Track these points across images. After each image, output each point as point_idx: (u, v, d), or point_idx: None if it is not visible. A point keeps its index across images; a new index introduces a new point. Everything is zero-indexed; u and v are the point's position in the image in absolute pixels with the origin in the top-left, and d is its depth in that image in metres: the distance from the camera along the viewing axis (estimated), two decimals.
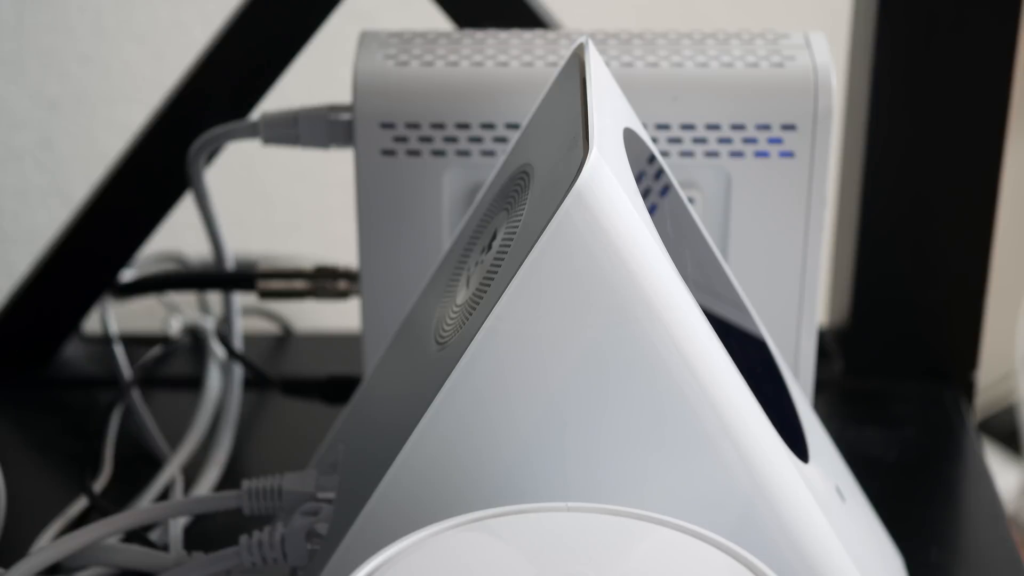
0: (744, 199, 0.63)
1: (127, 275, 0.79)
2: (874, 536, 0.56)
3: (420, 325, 0.55)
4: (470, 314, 0.48)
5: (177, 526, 0.63)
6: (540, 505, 0.44)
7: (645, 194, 0.49)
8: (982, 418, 1.28)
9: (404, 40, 0.64)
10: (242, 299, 0.81)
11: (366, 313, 0.65)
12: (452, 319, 0.51)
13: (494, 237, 0.51)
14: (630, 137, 0.52)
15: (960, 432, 0.73)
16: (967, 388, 0.77)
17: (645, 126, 0.58)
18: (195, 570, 0.55)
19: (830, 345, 0.80)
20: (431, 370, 0.49)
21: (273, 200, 1.25)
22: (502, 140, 0.62)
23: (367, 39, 0.64)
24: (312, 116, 0.64)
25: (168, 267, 0.90)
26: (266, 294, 0.74)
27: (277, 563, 0.53)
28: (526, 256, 0.44)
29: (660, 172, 0.54)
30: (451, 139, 0.62)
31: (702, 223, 0.57)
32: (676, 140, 0.62)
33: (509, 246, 0.48)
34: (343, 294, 0.73)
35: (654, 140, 0.60)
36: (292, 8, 0.73)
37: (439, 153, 0.62)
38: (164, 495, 0.69)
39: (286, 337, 0.86)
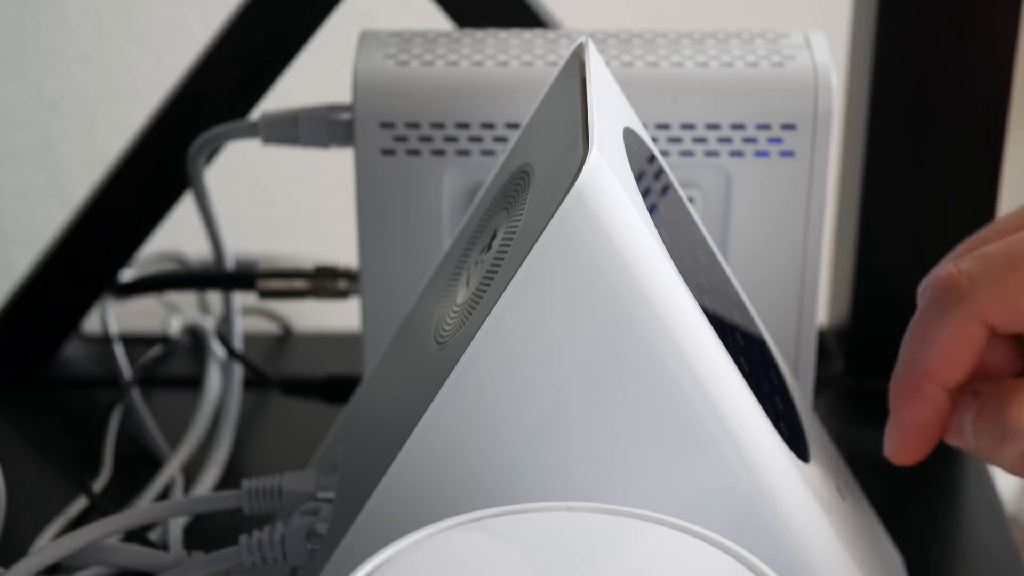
0: (744, 199, 0.63)
1: (127, 275, 0.79)
2: (874, 536, 0.56)
3: (420, 325, 0.55)
4: (470, 314, 0.48)
5: (177, 526, 0.63)
6: (540, 505, 0.44)
7: (645, 194, 0.49)
8: None
9: (404, 40, 0.64)
10: (242, 299, 0.81)
11: (366, 313, 0.65)
12: (452, 319, 0.51)
13: (494, 237, 0.51)
14: (630, 137, 0.52)
15: None
16: None
17: (645, 126, 0.58)
18: (195, 570, 0.55)
19: (830, 345, 0.80)
20: (431, 370, 0.49)
21: (273, 200, 1.26)
22: (502, 140, 0.61)
23: (367, 39, 0.64)
24: (312, 116, 0.64)
25: (168, 267, 0.90)
26: (266, 294, 0.74)
27: (277, 563, 0.53)
28: (526, 256, 0.44)
29: (660, 172, 0.54)
30: (451, 139, 0.62)
31: (702, 223, 0.57)
32: (676, 140, 0.62)
33: (509, 246, 0.48)
34: (343, 294, 0.73)
35: (654, 140, 0.60)
36: (292, 7, 0.73)
37: (439, 153, 0.62)
38: (164, 495, 0.69)
39: (286, 337, 0.86)
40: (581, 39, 0.54)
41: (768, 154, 0.62)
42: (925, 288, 0.51)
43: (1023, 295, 0.49)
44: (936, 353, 0.50)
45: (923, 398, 0.51)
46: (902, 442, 0.52)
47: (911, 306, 0.52)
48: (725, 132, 0.62)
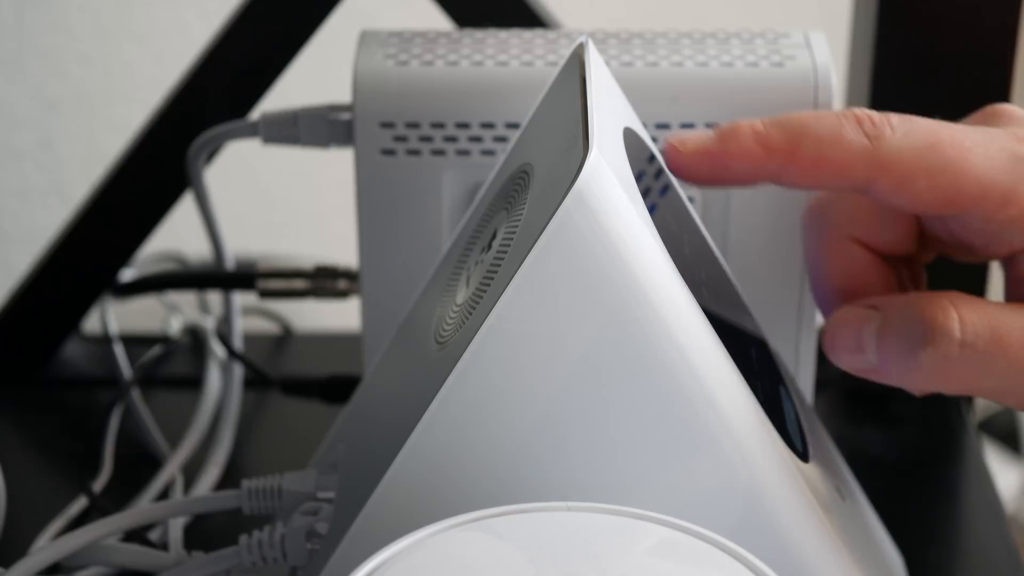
0: (744, 199, 0.62)
1: (127, 275, 0.79)
2: (874, 536, 0.56)
3: (420, 325, 0.55)
4: (470, 314, 0.48)
5: (177, 526, 0.63)
6: (540, 505, 0.44)
7: (645, 194, 0.49)
8: (982, 418, 1.28)
9: (404, 40, 0.64)
10: (242, 299, 0.81)
11: (366, 313, 0.65)
12: (452, 319, 0.51)
13: (494, 237, 0.51)
14: (630, 136, 0.52)
15: (960, 432, 0.73)
16: None
17: (645, 126, 0.58)
18: (195, 570, 0.55)
19: None
20: (431, 370, 0.49)
21: (273, 200, 1.26)
22: (502, 140, 0.61)
23: (367, 38, 0.64)
24: (312, 116, 0.64)
25: (168, 267, 0.90)
26: (266, 294, 0.74)
27: (277, 563, 0.53)
28: (526, 256, 0.44)
29: (660, 172, 0.54)
30: (451, 139, 0.62)
31: (702, 223, 0.57)
32: None
33: (509, 245, 0.48)
34: (343, 294, 0.73)
35: (654, 140, 0.60)
36: (292, 7, 0.73)
37: (439, 153, 0.62)
38: (164, 495, 0.69)
39: (286, 337, 0.86)
40: (581, 39, 0.54)
41: None
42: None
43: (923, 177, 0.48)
44: (806, 123, 0.48)
45: (762, 141, 0.49)
46: (707, 148, 0.49)
47: None
48: None
